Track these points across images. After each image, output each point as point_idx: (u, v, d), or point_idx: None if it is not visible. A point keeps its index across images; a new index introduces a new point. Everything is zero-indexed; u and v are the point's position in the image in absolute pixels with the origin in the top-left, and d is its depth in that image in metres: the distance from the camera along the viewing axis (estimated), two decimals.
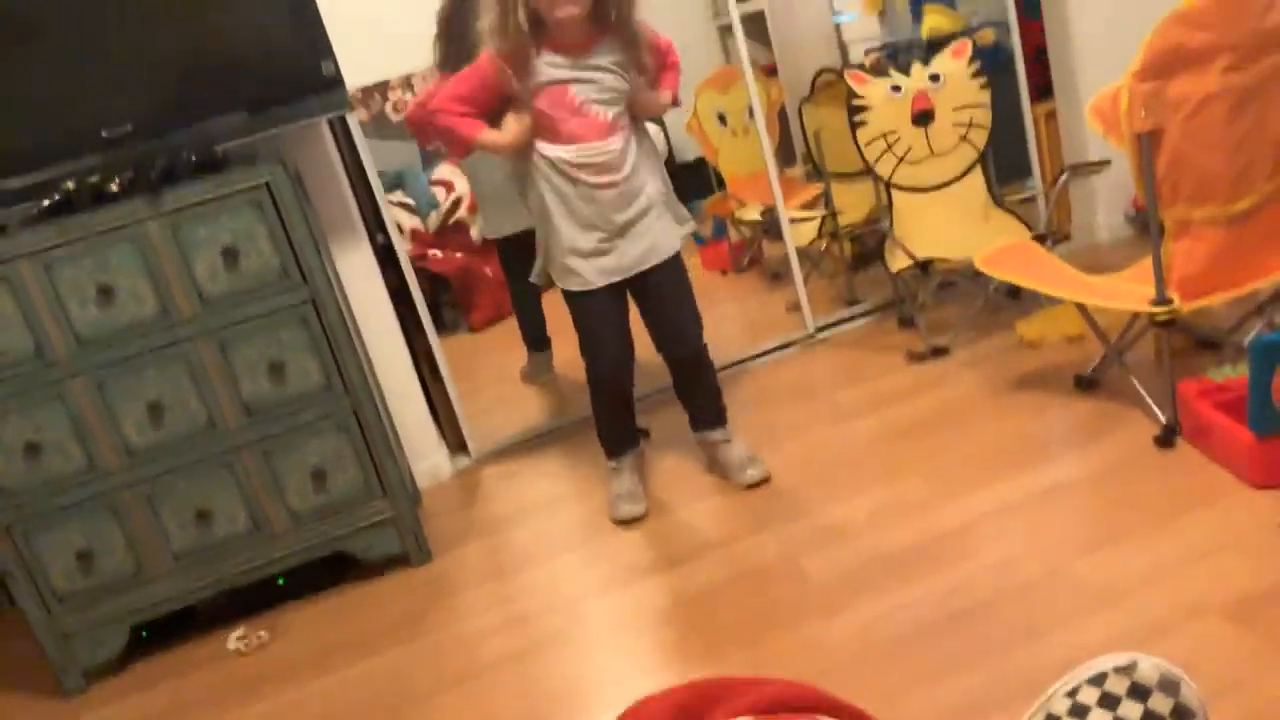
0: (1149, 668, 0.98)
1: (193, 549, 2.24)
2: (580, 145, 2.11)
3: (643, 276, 2.23)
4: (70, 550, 2.17)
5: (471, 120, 2.15)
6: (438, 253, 4.40)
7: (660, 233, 2.22)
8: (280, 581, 2.37)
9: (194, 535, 2.23)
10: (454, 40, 2.90)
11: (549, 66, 2.09)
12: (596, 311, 2.25)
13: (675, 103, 2.32)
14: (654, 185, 2.23)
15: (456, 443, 2.98)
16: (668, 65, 2.27)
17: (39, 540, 2.15)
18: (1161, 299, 2.03)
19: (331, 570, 2.41)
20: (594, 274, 2.19)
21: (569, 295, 2.25)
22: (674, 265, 2.26)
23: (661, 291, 2.27)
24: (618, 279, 2.21)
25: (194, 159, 2.18)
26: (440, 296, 4.44)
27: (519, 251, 3.25)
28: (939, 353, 2.80)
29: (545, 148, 2.13)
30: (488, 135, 2.15)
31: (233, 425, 2.21)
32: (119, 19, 2.17)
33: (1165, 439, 2.05)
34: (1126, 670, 0.99)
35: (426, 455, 2.86)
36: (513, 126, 2.13)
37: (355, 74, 2.43)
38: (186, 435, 2.19)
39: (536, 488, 2.70)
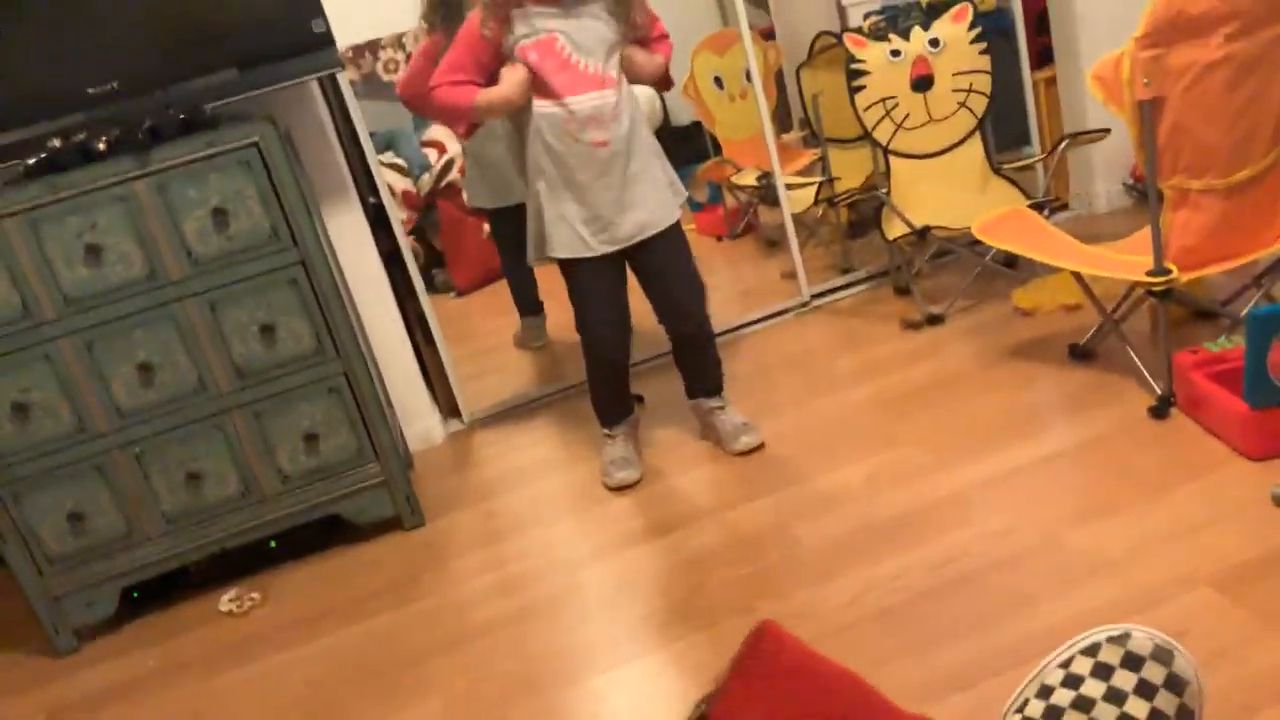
0: (1142, 638, 0.98)
1: (184, 511, 2.23)
2: (572, 98, 2.07)
3: (641, 248, 2.19)
4: (60, 512, 2.16)
5: (465, 87, 2.10)
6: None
7: (657, 203, 2.18)
8: (272, 544, 2.36)
9: (185, 497, 2.22)
10: (447, 8, 2.86)
11: (536, 17, 2.06)
12: (592, 284, 2.22)
13: (667, 83, 2.28)
14: (650, 152, 2.19)
15: (449, 407, 2.97)
16: (659, 35, 2.23)
17: (29, 502, 2.14)
18: (1159, 269, 2.02)
19: (324, 533, 2.41)
20: (590, 239, 2.16)
21: (563, 265, 2.22)
22: (673, 235, 2.22)
23: (662, 264, 2.24)
24: (614, 249, 2.17)
25: (182, 118, 2.14)
26: (432, 259, 4.43)
27: (510, 220, 3.22)
28: (934, 321, 2.79)
29: (537, 105, 2.09)
30: (483, 95, 2.09)
31: (223, 387, 2.19)
32: None
33: (1160, 410, 2.05)
34: (1120, 640, 0.99)
35: (419, 419, 2.85)
36: (509, 77, 2.08)
37: (346, 32, 2.39)
38: (176, 396, 2.17)
39: (530, 453, 2.69)
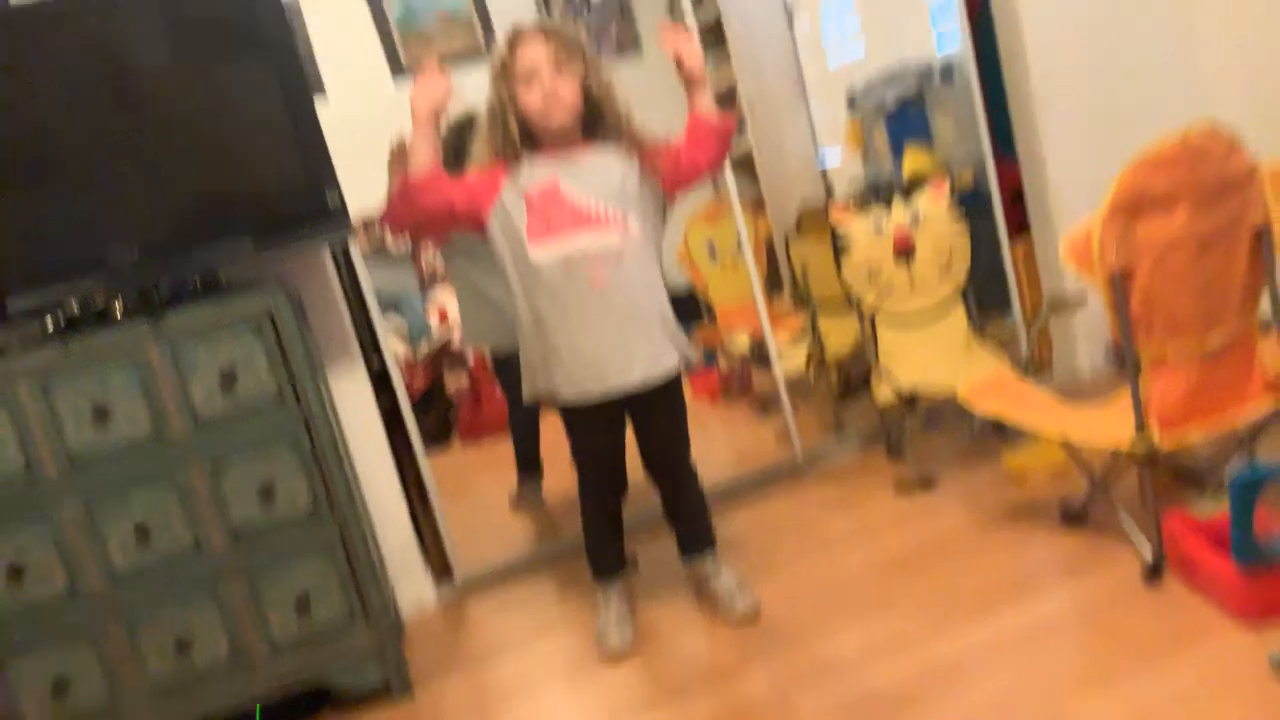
0: None
1: (171, 679, 2.18)
2: (572, 235, 2.11)
3: (640, 395, 2.19)
4: (45, 679, 2.11)
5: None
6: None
7: (659, 350, 2.19)
8: (258, 714, 2.30)
9: (173, 664, 2.18)
10: (457, 164, 3.01)
11: (542, 165, 2.15)
12: (590, 426, 2.25)
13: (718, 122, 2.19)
14: (654, 299, 2.20)
15: (442, 569, 2.94)
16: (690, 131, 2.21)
17: (14, 666, 2.09)
18: (1141, 433, 2.07)
19: (311, 702, 2.35)
20: (590, 385, 2.15)
21: (562, 407, 2.25)
22: (670, 385, 2.25)
23: (654, 411, 2.26)
24: (615, 395, 2.17)
25: (198, 283, 2.23)
26: (448, 412, 4.47)
27: (519, 369, 3.24)
28: (927, 484, 2.82)
29: (536, 249, 2.12)
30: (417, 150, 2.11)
31: (219, 549, 2.19)
32: (131, 148, 2.23)
33: (1153, 574, 2.05)
34: None
35: (411, 582, 2.82)
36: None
37: (357, 202, 2.51)
38: (171, 559, 2.16)
39: (522, 617, 2.66)
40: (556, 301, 2.14)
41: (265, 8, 2.24)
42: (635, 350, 2.16)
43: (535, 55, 2.12)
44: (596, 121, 2.19)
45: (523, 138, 2.16)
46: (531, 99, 2.12)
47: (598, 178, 2.16)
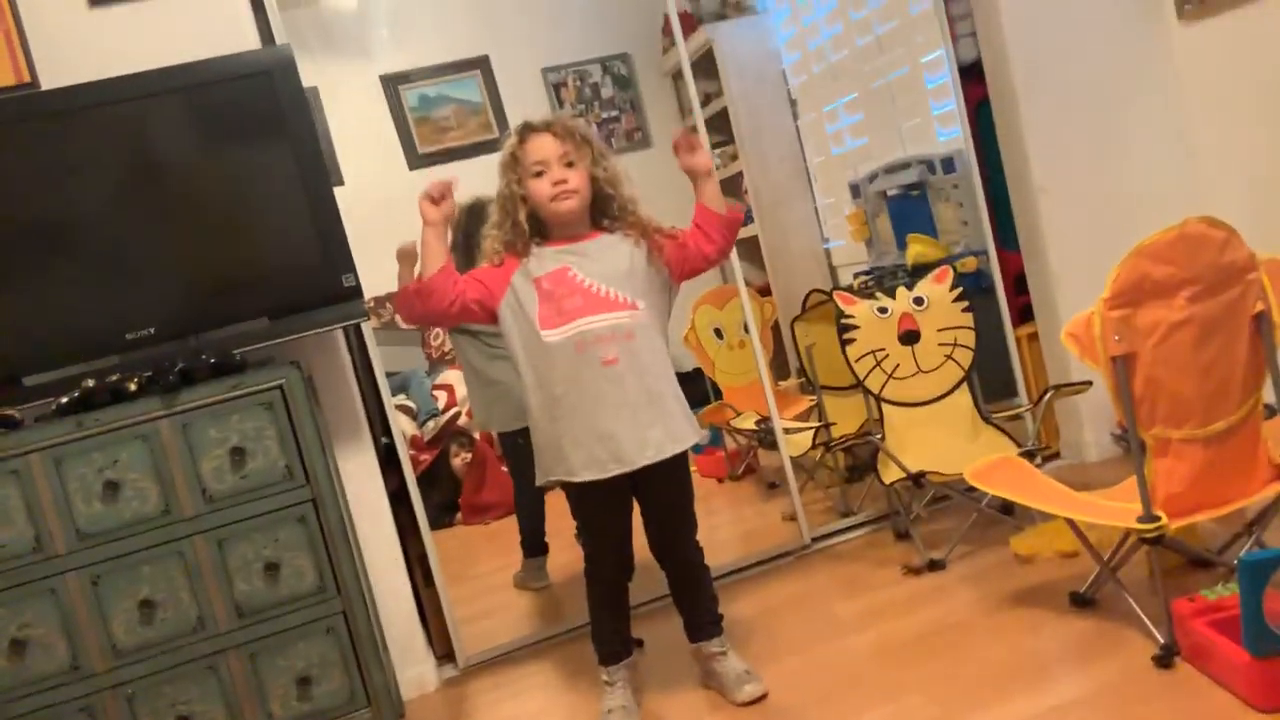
0: None
1: None
2: (584, 319, 2.14)
3: (649, 473, 2.20)
4: None
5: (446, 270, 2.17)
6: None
7: (671, 428, 2.20)
8: None
9: None
10: (466, 250, 3.07)
11: (550, 255, 2.21)
12: (600, 504, 2.25)
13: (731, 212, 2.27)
14: (665, 377, 2.22)
15: (444, 651, 2.91)
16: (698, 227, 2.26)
17: None
18: (1148, 516, 2.07)
19: None
20: (607, 461, 2.16)
21: (568, 485, 2.25)
22: (678, 465, 2.26)
23: (662, 487, 2.27)
24: (623, 470, 2.17)
25: (212, 361, 2.27)
26: (454, 489, 4.46)
27: (527, 449, 3.25)
28: (935, 566, 2.80)
29: (549, 334, 2.15)
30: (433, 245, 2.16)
31: (222, 626, 2.18)
32: (149, 227, 2.30)
33: (1164, 659, 2.03)
34: None
35: (413, 663, 2.79)
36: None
37: (370, 282, 2.56)
38: (175, 635, 2.16)
39: (525, 700, 2.62)
40: (570, 381, 2.17)
41: (288, 98, 2.33)
42: (650, 426, 2.18)
43: (544, 148, 2.19)
44: (604, 210, 2.26)
45: (532, 227, 2.22)
46: (541, 189, 2.19)
47: (606, 263, 2.21)
